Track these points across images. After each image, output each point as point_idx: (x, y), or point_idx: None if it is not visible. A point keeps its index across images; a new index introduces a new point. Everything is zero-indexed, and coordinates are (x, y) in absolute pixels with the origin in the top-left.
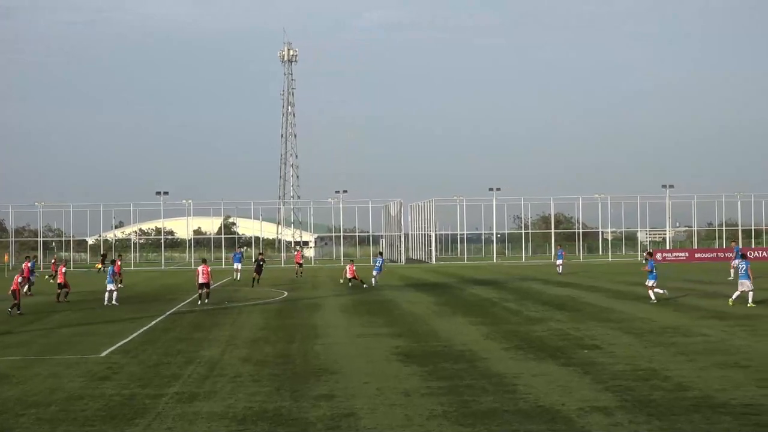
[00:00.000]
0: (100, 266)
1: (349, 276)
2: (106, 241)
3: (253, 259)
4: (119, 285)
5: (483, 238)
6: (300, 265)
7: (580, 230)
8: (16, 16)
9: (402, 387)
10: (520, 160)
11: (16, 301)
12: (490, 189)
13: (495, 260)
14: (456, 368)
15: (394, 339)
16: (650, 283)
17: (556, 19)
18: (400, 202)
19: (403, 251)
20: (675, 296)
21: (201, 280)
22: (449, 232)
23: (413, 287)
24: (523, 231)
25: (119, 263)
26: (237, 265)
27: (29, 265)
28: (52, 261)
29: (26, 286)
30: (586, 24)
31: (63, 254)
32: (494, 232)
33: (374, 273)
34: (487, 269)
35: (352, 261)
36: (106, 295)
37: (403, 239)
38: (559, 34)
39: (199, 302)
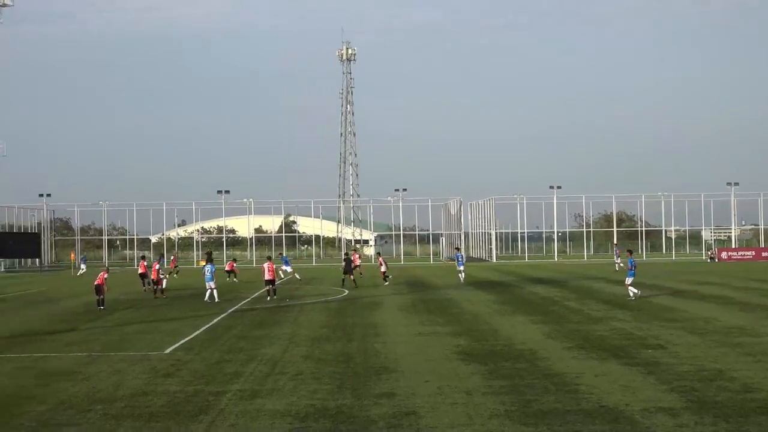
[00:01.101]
0: (204, 263)
1: (356, 264)
2: (169, 239)
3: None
4: (234, 280)
5: (544, 236)
6: (357, 266)
7: (643, 229)
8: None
9: (463, 386)
10: (581, 158)
11: (105, 295)
12: (551, 187)
13: (556, 259)
14: (517, 367)
15: (454, 338)
16: (629, 280)
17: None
18: (459, 201)
19: (463, 250)
20: (737, 296)
21: (267, 276)
22: (509, 231)
23: (473, 286)
24: (584, 229)
25: (233, 263)
26: (287, 268)
27: (145, 263)
28: (171, 258)
29: (146, 282)
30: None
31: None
32: (555, 230)
33: (460, 268)
34: (547, 268)
35: (355, 250)
36: (215, 293)
37: (463, 237)
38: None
39: (268, 297)
